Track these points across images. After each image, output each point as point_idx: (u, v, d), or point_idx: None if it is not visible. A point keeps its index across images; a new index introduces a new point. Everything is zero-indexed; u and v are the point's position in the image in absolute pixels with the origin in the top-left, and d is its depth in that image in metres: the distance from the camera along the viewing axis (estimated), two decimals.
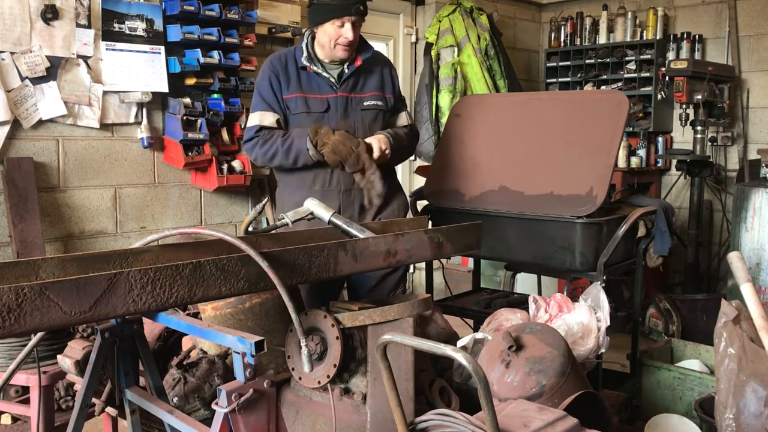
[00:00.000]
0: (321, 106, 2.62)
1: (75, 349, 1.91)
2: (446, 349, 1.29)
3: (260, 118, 2.65)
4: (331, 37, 2.55)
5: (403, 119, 2.84)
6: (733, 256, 2.31)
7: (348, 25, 2.52)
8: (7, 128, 3.35)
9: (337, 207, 2.61)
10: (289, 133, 2.60)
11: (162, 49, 3.81)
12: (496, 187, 2.97)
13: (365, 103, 2.68)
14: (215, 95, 3.98)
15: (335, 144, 2.46)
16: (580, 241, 2.72)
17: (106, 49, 3.63)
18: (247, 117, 4.08)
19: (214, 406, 1.42)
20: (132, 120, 3.79)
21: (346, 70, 2.65)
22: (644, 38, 5.78)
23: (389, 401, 1.47)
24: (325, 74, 2.63)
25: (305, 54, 2.63)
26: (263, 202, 2.14)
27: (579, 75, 6.11)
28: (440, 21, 5.33)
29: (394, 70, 2.85)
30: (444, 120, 4.71)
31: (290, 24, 4.37)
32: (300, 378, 1.96)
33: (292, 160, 2.58)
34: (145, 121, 3.81)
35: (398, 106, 2.82)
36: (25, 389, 2.63)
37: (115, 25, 3.65)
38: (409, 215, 3.06)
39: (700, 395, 2.73)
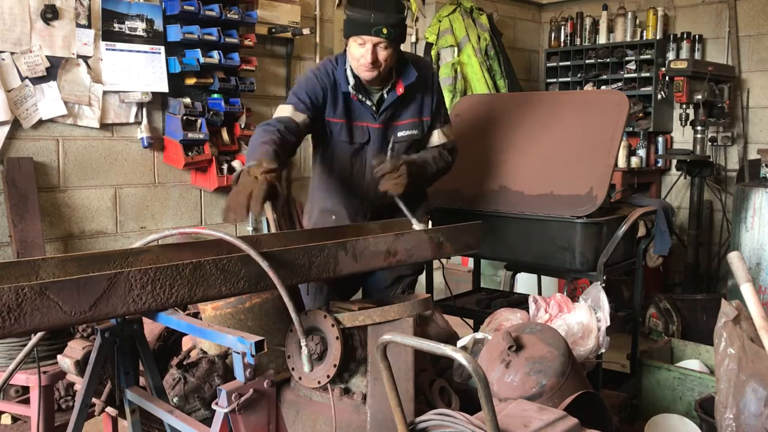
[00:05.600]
0: (363, 137, 2.48)
1: (75, 349, 1.91)
2: (446, 349, 1.29)
3: (292, 113, 2.38)
4: (353, 55, 2.35)
5: (435, 139, 2.61)
6: (733, 256, 2.31)
7: (369, 46, 2.29)
8: (7, 128, 3.35)
9: (368, 212, 2.57)
10: (262, 148, 2.21)
11: (162, 49, 3.81)
12: (496, 187, 2.97)
13: (399, 134, 2.51)
14: (215, 95, 3.98)
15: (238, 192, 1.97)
16: (580, 241, 2.72)
17: (106, 49, 3.63)
18: (247, 117, 4.15)
19: (214, 406, 1.42)
20: (132, 120, 3.79)
21: (386, 96, 2.46)
22: (644, 38, 5.78)
23: (389, 401, 1.47)
24: (368, 102, 2.45)
25: (352, 82, 2.42)
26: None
27: (579, 75, 6.11)
28: (440, 21, 5.33)
29: (436, 83, 2.60)
30: None
31: (290, 24, 4.37)
32: (300, 378, 1.96)
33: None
34: (145, 121, 3.82)
35: (434, 124, 2.60)
36: (25, 389, 2.63)
37: (115, 25, 3.65)
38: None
39: (700, 395, 2.74)
